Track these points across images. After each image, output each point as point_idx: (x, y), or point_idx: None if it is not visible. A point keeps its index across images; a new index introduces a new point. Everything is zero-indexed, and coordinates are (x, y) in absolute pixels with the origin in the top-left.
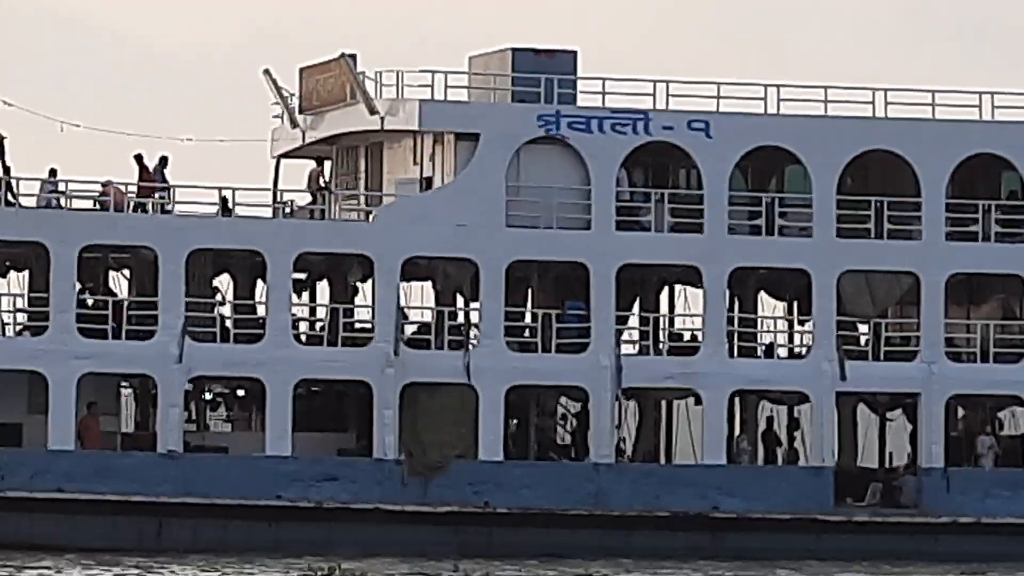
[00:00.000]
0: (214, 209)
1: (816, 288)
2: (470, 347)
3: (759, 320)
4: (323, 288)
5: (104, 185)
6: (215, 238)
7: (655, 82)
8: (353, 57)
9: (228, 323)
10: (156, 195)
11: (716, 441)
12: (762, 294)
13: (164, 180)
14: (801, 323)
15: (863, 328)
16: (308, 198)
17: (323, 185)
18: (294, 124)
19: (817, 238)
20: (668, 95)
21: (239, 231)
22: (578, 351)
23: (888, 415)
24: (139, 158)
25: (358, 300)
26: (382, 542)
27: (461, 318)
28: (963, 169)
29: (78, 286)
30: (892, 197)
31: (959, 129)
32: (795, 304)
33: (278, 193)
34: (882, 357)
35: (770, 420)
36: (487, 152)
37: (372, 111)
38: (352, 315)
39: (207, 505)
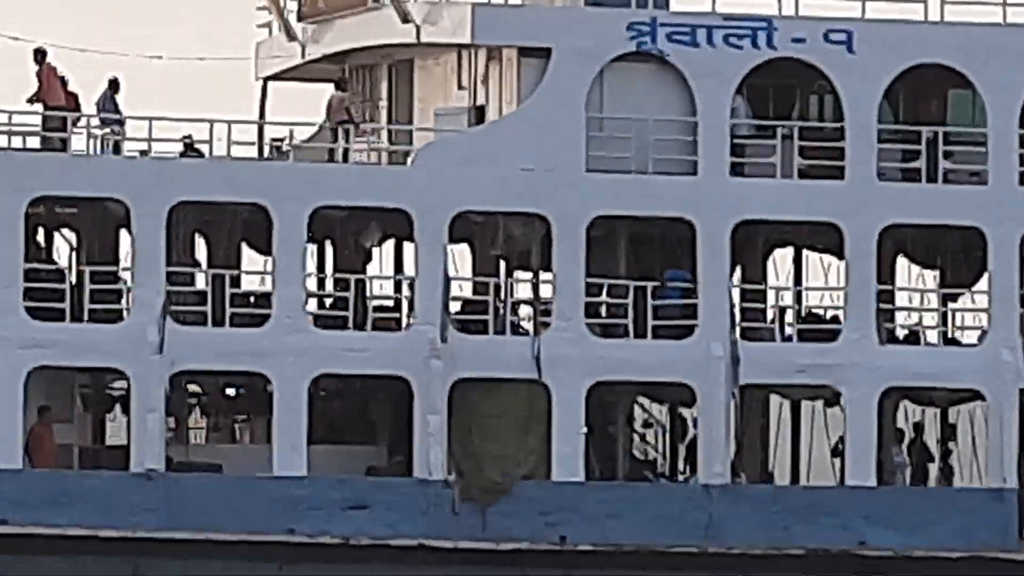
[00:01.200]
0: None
1: (994, 252)
2: (540, 332)
3: (913, 295)
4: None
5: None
6: (204, 187)
7: None
8: None
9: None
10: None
11: (864, 455)
12: (901, 260)
13: (116, 109)
14: (956, 299)
15: None
16: (307, 133)
17: (350, 116)
18: (290, 36)
19: (994, 186)
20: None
21: (236, 177)
22: (682, 336)
23: None
24: (40, 56)
25: (371, 269)
26: None
27: (527, 292)
28: None
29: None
30: None
31: None
32: (947, 274)
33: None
34: None
35: (918, 427)
36: (561, 72)
37: (405, 18)
38: (378, 289)
39: (197, 541)
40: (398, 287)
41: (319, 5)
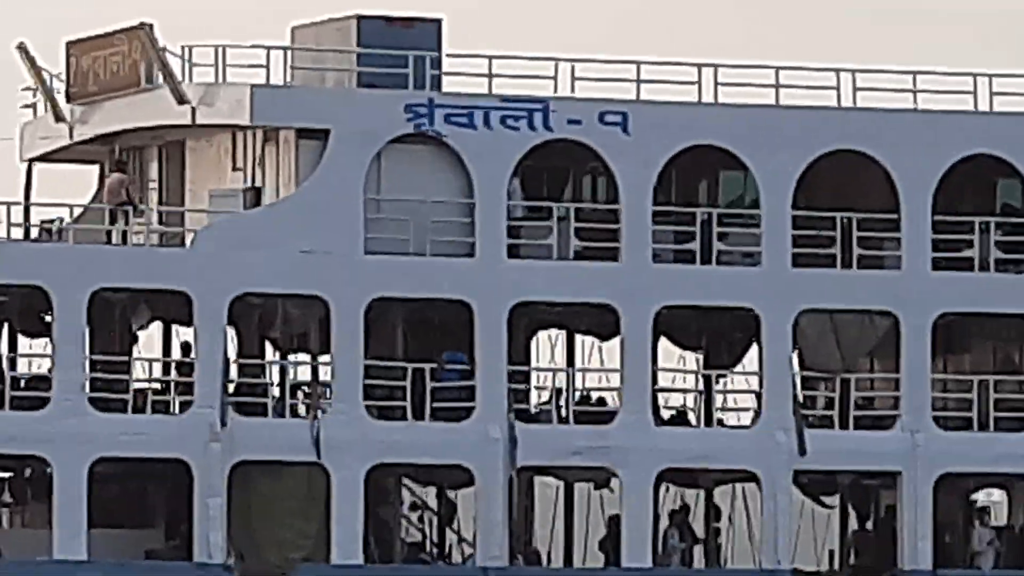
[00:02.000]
0: None
1: (767, 333)
2: (319, 414)
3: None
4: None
5: None
6: None
7: (556, 61)
8: (151, 27)
9: None
10: None
11: (640, 536)
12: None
13: None
14: (718, 379)
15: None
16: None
17: (129, 197)
18: (58, 117)
19: (767, 267)
20: (573, 79)
21: (14, 260)
22: (461, 419)
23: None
24: None
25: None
26: None
27: (304, 375)
28: (953, 176)
29: None
30: (863, 213)
31: (952, 123)
32: (706, 354)
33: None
34: (851, 425)
35: (685, 508)
36: (340, 154)
37: (181, 99)
38: (168, 371)
39: None
40: (167, 369)
41: (89, 87)
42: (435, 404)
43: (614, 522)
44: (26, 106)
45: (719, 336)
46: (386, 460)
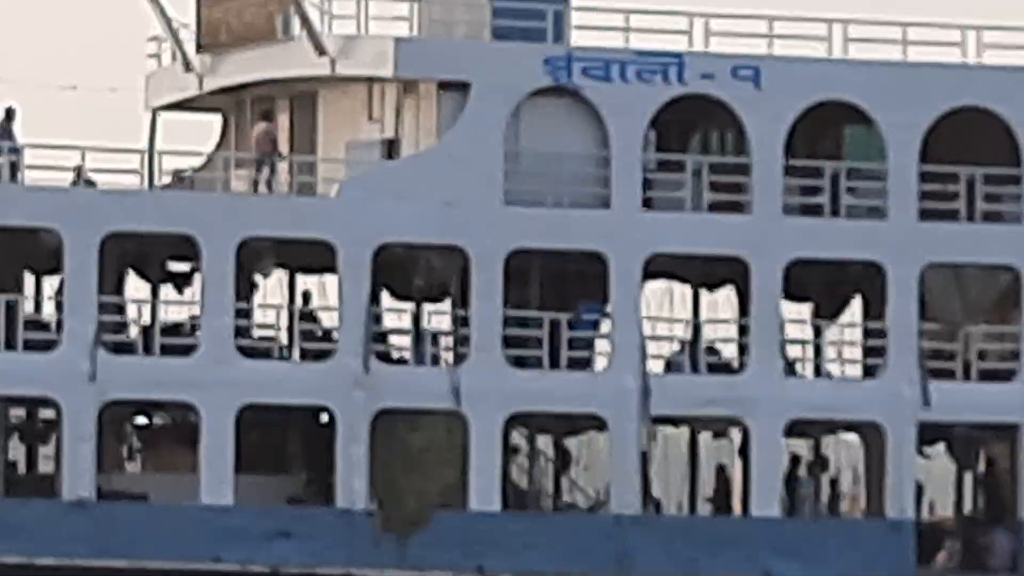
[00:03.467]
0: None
1: (892, 285)
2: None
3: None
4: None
5: None
6: (136, 217)
7: (690, 16)
8: None
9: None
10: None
11: (770, 486)
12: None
13: (11, 138)
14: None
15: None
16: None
17: (275, 148)
18: (188, 67)
19: (894, 221)
20: (707, 33)
21: (165, 208)
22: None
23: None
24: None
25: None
26: None
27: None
28: None
29: None
30: (989, 168)
31: None
32: (818, 307)
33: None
34: (975, 377)
35: (795, 459)
36: (480, 107)
37: (321, 51)
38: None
39: (125, 571)
40: (310, 318)
41: (220, 37)
42: (571, 354)
43: (722, 472)
44: (152, 55)
45: (827, 289)
46: (523, 409)
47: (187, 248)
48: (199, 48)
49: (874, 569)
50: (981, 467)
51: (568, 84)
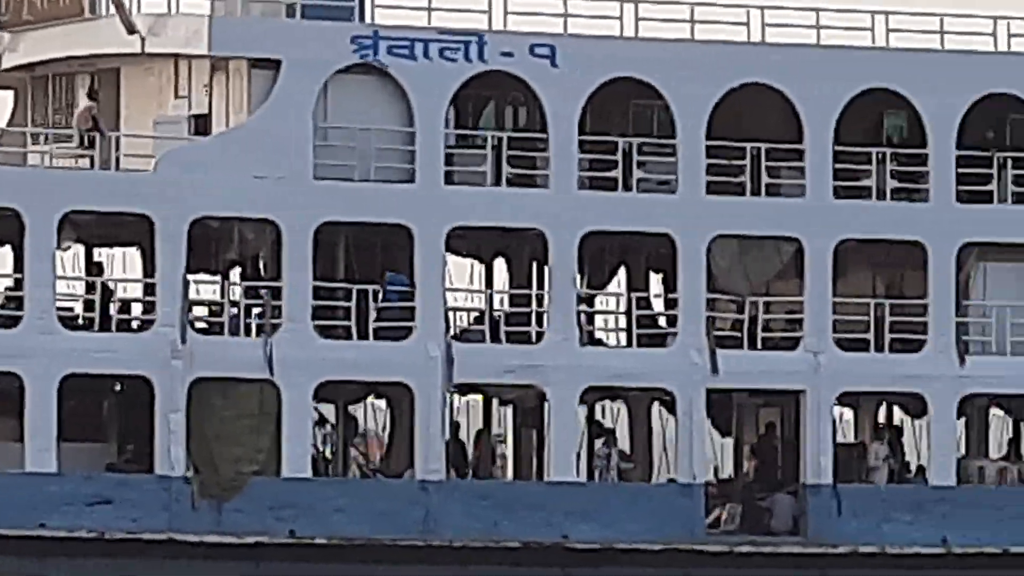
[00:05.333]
0: None
1: (682, 257)
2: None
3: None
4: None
5: None
6: None
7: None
8: None
9: None
10: None
11: (567, 452)
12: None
13: None
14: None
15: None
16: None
17: (96, 125)
18: None
19: (683, 195)
20: (506, 12)
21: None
22: (401, 338)
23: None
24: None
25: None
26: None
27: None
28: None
29: None
30: (774, 143)
31: (851, 58)
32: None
33: None
34: (759, 345)
35: (599, 425)
36: (290, 84)
37: (131, 29)
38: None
39: None
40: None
41: (24, 14)
42: (377, 324)
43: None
44: None
45: (593, 260)
46: (333, 378)
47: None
48: (0, 26)
49: (666, 531)
50: (760, 432)
51: (374, 62)
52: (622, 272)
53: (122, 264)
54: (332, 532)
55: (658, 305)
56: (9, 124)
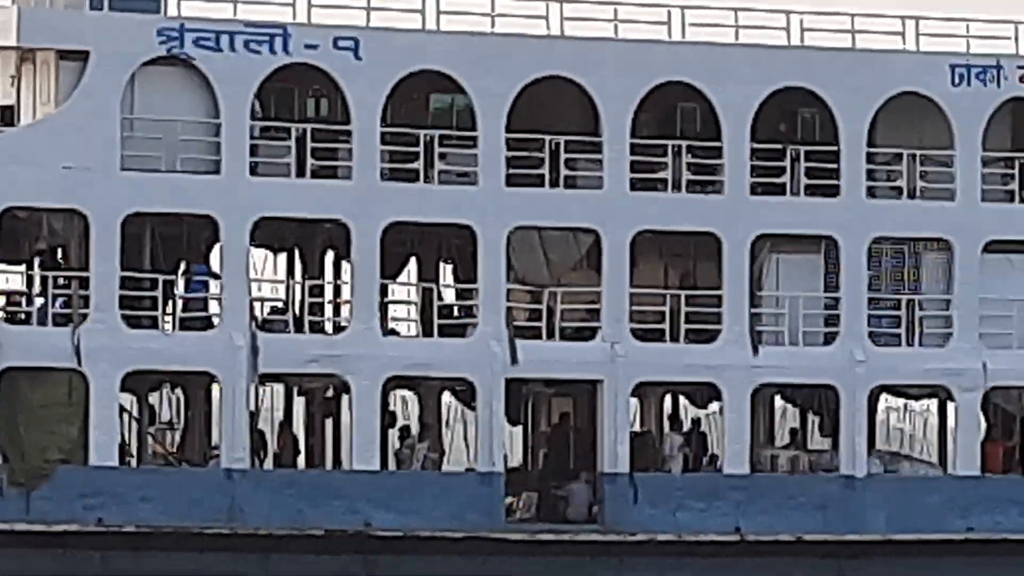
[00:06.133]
0: None
1: (483, 248)
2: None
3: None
4: None
5: None
6: None
7: None
8: None
9: None
10: None
11: (368, 441)
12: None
13: None
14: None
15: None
16: None
17: None
18: None
19: (484, 187)
20: (309, 5)
21: None
22: (205, 328)
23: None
24: None
25: None
26: None
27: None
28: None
29: None
30: (572, 136)
31: (651, 52)
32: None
33: None
34: (557, 336)
35: (392, 415)
36: (98, 75)
37: None
38: None
39: None
40: None
41: None
42: (184, 314)
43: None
44: None
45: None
46: (140, 367)
47: None
48: None
49: (466, 519)
50: (554, 421)
51: (180, 53)
52: (413, 263)
53: None
54: (139, 520)
55: (449, 295)
56: None
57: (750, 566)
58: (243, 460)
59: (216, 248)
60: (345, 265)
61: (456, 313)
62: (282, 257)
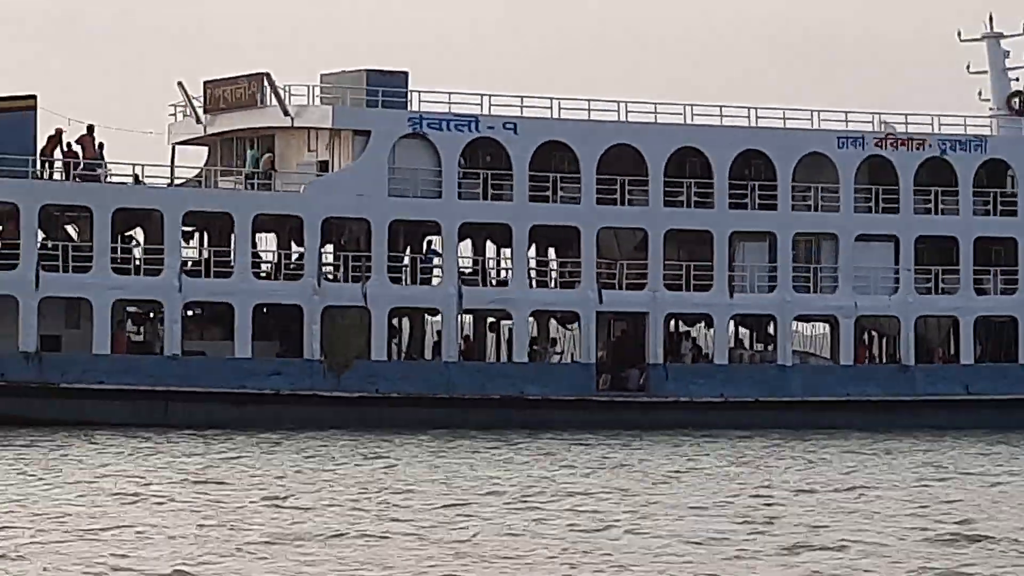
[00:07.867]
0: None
1: (583, 239)
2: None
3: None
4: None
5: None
6: (204, 202)
7: (482, 96)
8: (268, 74)
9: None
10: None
11: (522, 345)
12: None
13: (102, 155)
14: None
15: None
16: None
17: (273, 167)
18: (198, 120)
19: (584, 204)
20: (490, 104)
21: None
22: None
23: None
24: (90, 131)
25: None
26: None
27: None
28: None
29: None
30: (632, 176)
31: (672, 129)
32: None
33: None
34: (624, 287)
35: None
36: (376, 143)
37: (286, 112)
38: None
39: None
40: None
41: (220, 104)
42: (421, 275)
43: None
44: (171, 114)
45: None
46: (398, 305)
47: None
48: (205, 110)
49: (574, 389)
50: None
51: (420, 131)
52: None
53: None
54: (399, 391)
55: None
56: (204, 166)
57: (731, 417)
58: (453, 356)
59: (438, 239)
60: (505, 251)
61: (568, 277)
62: (466, 242)
